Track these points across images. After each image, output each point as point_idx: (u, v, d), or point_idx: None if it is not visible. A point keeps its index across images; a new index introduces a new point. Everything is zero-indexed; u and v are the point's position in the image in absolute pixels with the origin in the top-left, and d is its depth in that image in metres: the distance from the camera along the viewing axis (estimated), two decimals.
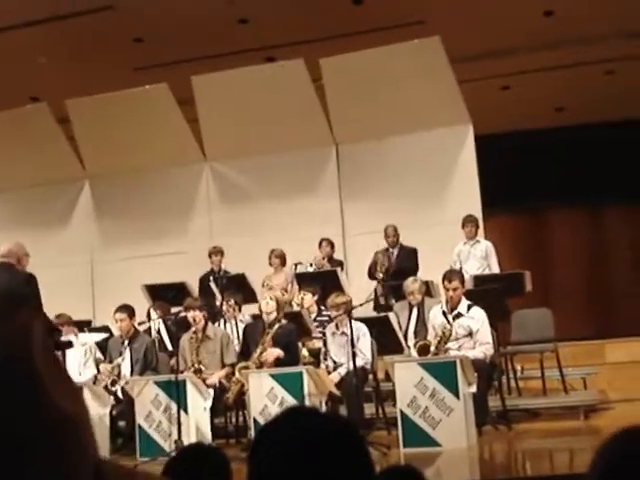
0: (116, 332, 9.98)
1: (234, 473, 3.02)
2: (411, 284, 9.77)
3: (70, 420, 0.96)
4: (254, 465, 1.43)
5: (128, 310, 9.38)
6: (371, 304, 10.41)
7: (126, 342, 9.31)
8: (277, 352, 8.57)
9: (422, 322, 9.58)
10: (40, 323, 0.99)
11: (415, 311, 9.73)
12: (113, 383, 8.98)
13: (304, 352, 9.23)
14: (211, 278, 11.31)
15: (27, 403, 0.93)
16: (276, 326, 8.66)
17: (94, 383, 9.21)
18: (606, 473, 1.33)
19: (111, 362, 9.28)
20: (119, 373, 9.15)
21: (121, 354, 9.26)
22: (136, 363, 9.18)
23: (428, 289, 10.37)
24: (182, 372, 8.54)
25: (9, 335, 0.95)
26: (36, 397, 0.93)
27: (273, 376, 8.00)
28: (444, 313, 8.58)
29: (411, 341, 8.95)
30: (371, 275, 11.26)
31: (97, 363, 9.65)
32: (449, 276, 8.72)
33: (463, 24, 11.90)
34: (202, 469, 2.75)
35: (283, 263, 11.57)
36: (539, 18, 12.00)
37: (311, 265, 11.36)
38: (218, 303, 10.74)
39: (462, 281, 8.70)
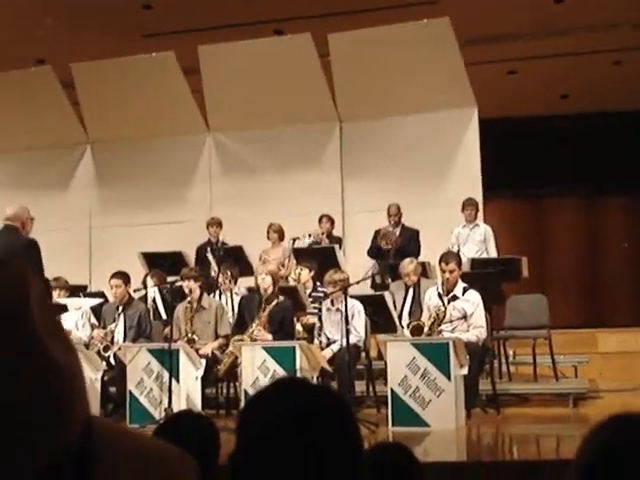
0: (111, 298, 10.00)
1: (222, 443, 3.04)
2: (407, 265, 9.78)
3: (63, 370, 0.97)
4: (242, 433, 1.44)
5: (123, 277, 9.40)
6: (368, 282, 10.42)
7: (120, 308, 9.33)
8: (268, 338, 8.55)
9: (417, 303, 9.60)
10: (35, 276, 1.00)
11: (411, 292, 9.75)
12: (106, 349, 9.00)
13: (298, 327, 9.25)
14: (208, 249, 11.31)
15: (21, 350, 0.94)
16: (273, 303, 8.67)
17: (87, 347, 9.23)
18: (593, 459, 1.34)
19: (105, 328, 9.31)
20: (112, 339, 9.18)
21: (115, 320, 9.28)
22: (129, 330, 9.21)
23: (425, 270, 10.39)
24: (175, 341, 8.57)
25: (6, 284, 0.96)
26: (30, 345, 0.94)
27: (266, 349, 8.02)
28: (439, 295, 8.60)
29: (405, 321, 8.96)
30: (372, 253, 11.24)
31: (92, 327, 9.68)
32: (446, 258, 8.73)
33: (474, 6, 11.84)
34: (191, 436, 2.77)
35: (281, 238, 11.56)
36: (550, 4, 11.96)
37: (309, 236, 11.34)
38: (214, 274, 10.75)
39: (459, 264, 8.71)
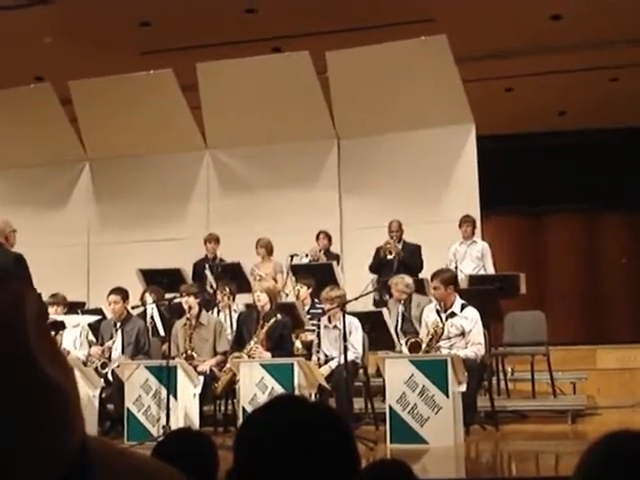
0: (109, 315, 9.99)
1: (221, 460, 3.04)
2: (394, 280, 9.85)
3: (58, 390, 0.97)
4: (240, 450, 1.44)
5: (122, 293, 9.39)
6: (366, 299, 10.41)
7: (118, 325, 9.32)
8: (266, 356, 8.53)
9: (408, 320, 9.64)
10: (34, 296, 1.00)
11: (401, 308, 9.78)
12: (103, 366, 8.98)
13: (297, 344, 9.24)
14: (206, 265, 11.31)
15: (16, 368, 0.94)
16: (272, 321, 8.64)
17: (85, 364, 9.21)
18: (591, 475, 1.34)
19: (103, 344, 9.29)
20: (109, 356, 9.16)
21: (112, 337, 9.27)
22: (127, 346, 9.18)
23: (422, 287, 10.40)
24: (173, 358, 8.56)
25: (4, 303, 0.96)
26: (25, 363, 0.94)
27: (264, 366, 8.02)
28: (437, 312, 8.60)
29: (402, 339, 8.96)
30: (374, 268, 11.21)
31: (89, 344, 9.66)
32: (432, 275, 8.78)
33: (471, 24, 11.90)
34: (190, 453, 2.77)
35: (270, 252, 11.56)
36: (546, 21, 12.00)
37: (307, 256, 11.36)
38: (212, 291, 10.75)
39: (444, 282, 8.60)
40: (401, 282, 9.87)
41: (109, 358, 9.11)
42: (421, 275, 10.82)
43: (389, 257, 10.99)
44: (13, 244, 7.46)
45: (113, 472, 1.06)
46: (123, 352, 9.17)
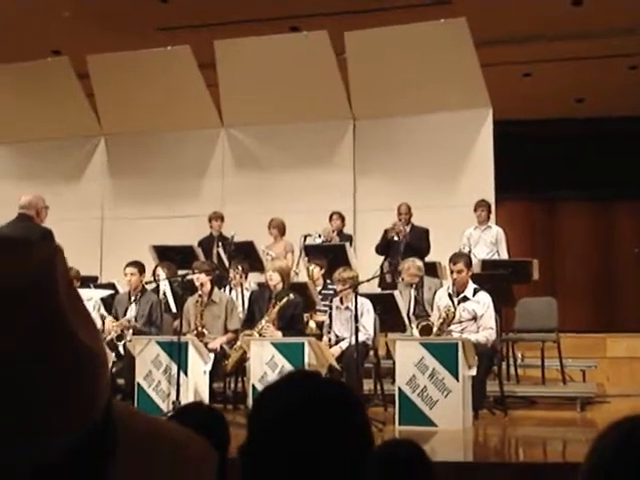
0: (121, 289, 10.02)
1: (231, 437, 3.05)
2: (405, 264, 9.85)
3: (88, 353, 0.98)
4: (254, 423, 1.45)
5: (139, 266, 9.45)
6: (374, 282, 10.41)
7: (133, 298, 9.35)
8: (277, 335, 8.55)
9: (420, 303, 9.65)
10: (63, 260, 1.01)
11: (413, 292, 9.78)
12: (119, 338, 9.02)
13: (311, 324, 9.25)
14: (220, 244, 11.33)
15: (48, 331, 0.94)
16: (284, 300, 8.65)
17: None
18: (602, 462, 1.34)
19: (117, 318, 9.33)
20: (124, 329, 9.18)
21: (127, 310, 9.30)
22: (140, 318, 9.21)
23: (434, 270, 10.40)
24: (185, 334, 8.59)
25: (34, 265, 0.97)
26: (57, 326, 0.95)
27: (275, 345, 8.04)
28: (450, 295, 8.61)
29: (410, 322, 8.97)
30: (380, 249, 11.21)
31: (102, 319, 9.70)
32: (454, 258, 8.75)
33: (490, 7, 11.83)
34: (201, 428, 2.77)
35: (282, 233, 11.60)
36: (567, 7, 11.93)
37: (320, 236, 11.36)
38: (224, 269, 10.78)
39: (467, 265, 8.68)
40: (412, 266, 9.87)
41: (122, 331, 9.16)
42: (432, 258, 10.81)
43: (396, 238, 10.98)
44: (43, 220, 7.51)
45: (136, 434, 1.07)
46: (136, 321, 9.21)
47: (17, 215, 7.45)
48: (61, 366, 0.95)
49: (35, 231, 7.22)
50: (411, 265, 9.88)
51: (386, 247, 11.15)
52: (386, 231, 11.17)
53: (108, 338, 9.01)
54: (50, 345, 0.94)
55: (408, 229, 11.11)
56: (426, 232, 11.11)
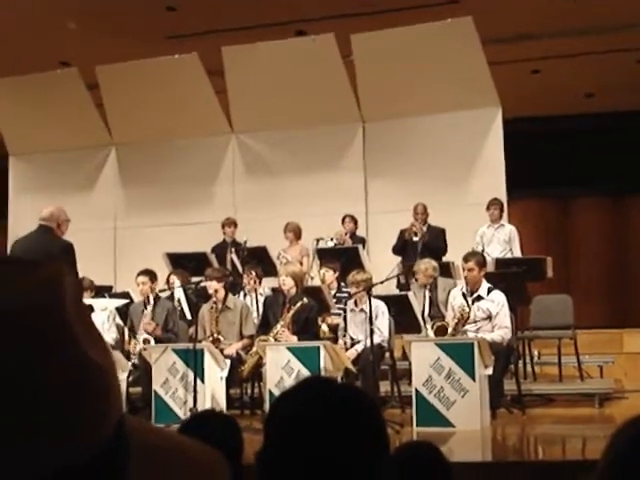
0: (136, 298, 10.05)
1: (247, 443, 3.05)
2: (419, 265, 9.85)
3: (98, 370, 0.98)
4: (270, 430, 1.45)
5: (150, 274, 9.46)
6: (390, 283, 10.41)
7: (149, 307, 9.36)
8: (292, 339, 8.55)
9: (435, 304, 9.64)
10: (72, 278, 1.02)
11: (427, 293, 9.77)
12: (145, 341, 9.03)
13: (324, 327, 9.26)
14: (233, 250, 11.35)
15: (57, 349, 0.95)
16: (298, 304, 8.65)
17: (113, 348, 9.28)
18: (619, 458, 1.33)
19: (132, 328, 9.35)
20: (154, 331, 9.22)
21: (142, 319, 9.30)
22: (157, 327, 9.22)
23: (448, 270, 10.39)
24: (200, 341, 8.61)
25: (42, 283, 0.98)
26: (66, 344, 0.96)
27: (290, 349, 8.04)
28: (464, 295, 8.59)
29: (425, 323, 8.96)
30: (397, 249, 11.20)
31: (117, 328, 9.73)
32: (466, 257, 8.76)
33: (496, 6, 11.81)
34: (214, 435, 2.78)
35: (298, 237, 11.61)
36: (572, 3, 11.89)
37: (332, 240, 11.37)
38: (237, 274, 10.79)
39: (479, 263, 8.65)
40: (430, 267, 9.85)
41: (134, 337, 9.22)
42: (445, 258, 10.81)
43: (415, 239, 10.98)
44: (64, 232, 7.53)
45: (148, 448, 1.08)
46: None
47: (38, 227, 7.46)
48: (70, 383, 0.95)
49: (56, 244, 7.23)
50: (428, 266, 9.86)
51: (402, 248, 11.15)
52: (402, 232, 11.17)
53: (143, 337, 9.03)
54: (59, 363, 0.95)
55: (425, 229, 11.11)
56: (443, 232, 11.12)
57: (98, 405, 0.98)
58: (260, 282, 10.21)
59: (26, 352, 0.93)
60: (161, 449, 1.10)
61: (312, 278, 10.90)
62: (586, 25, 12.40)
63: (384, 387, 8.86)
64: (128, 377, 8.90)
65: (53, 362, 0.95)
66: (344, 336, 8.94)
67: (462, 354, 7.61)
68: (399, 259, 11.19)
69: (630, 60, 13.67)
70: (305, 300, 8.70)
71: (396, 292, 10.22)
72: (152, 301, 9.34)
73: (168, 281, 10.21)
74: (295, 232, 11.59)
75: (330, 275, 10.16)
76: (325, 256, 10.72)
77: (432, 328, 8.35)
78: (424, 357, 7.73)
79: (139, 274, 9.47)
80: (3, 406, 0.92)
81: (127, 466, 1.03)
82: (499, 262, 10.25)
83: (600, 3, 11.79)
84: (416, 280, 10.01)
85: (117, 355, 8.86)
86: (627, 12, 12.00)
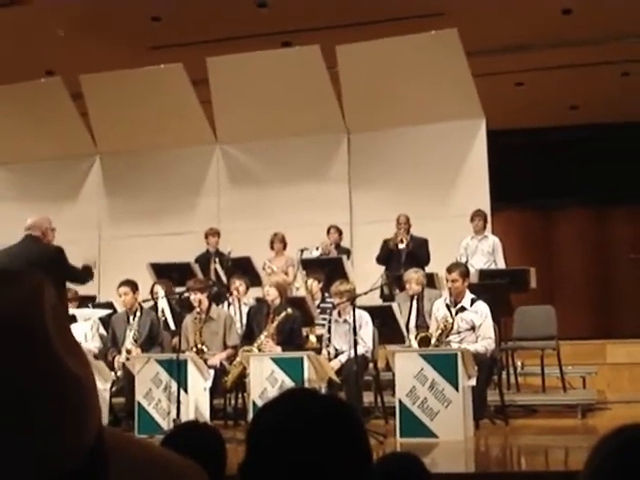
0: (119, 308, 10.02)
1: (231, 453, 3.05)
2: (409, 274, 9.83)
3: (76, 380, 0.98)
4: (252, 441, 1.45)
5: (131, 285, 9.43)
6: (374, 293, 10.41)
7: (131, 317, 9.33)
8: (276, 350, 8.55)
9: (422, 314, 9.64)
10: (52, 289, 1.02)
11: (415, 303, 9.77)
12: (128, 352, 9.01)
13: (311, 338, 9.25)
14: (217, 260, 11.34)
15: (35, 359, 0.95)
16: (282, 315, 8.65)
17: (96, 357, 9.25)
18: (601, 469, 1.34)
19: (114, 338, 9.32)
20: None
21: (125, 329, 9.28)
22: (141, 337, 9.20)
23: (432, 281, 10.40)
24: (184, 352, 8.58)
25: (21, 294, 0.97)
26: (44, 354, 0.96)
27: (274, 360, 8.04)
28: (447, 306, 8.60)
29: (412, 334, 8.96)
30: (381, 259, 11.21)
31: (101, 338, 9.70)
32: (450, 268, 8.75)
33: (481, 18, 11.88)
34: (197, 446, 2.78)
35: (284, 247, 11.62)
36: (557, 16, 11.97)
37: (317, 249, 11.37)
38: (221, 284, 10.78)
39: (463, 274, 8.65)
40: (420, 275, 9.83)
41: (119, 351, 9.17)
42: (429, 269, 10.82)
43: (401, 246, 10.99)
44: (50, 241, 7.51)
45: (128, 461, 1.07)
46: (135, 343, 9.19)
47: (24, 236, 7.44)
48: (48, 394, 0.95)
49: (47, 251, 7.23)
50: (419, 274, 9.85)
51: (386, 258, 11.16)
52: (385, 241, 11.18)
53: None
54: (37, 373, 0.95)
55: (408, 238, 11.12)
56: (426, 242, 11.15)
57: (76, 416, 0.98)
58: (246, 292, 10.19)
59: (4, 361, 0.93)
60: (140, 461, 1.10)
61: (297, 288, 10.90)
62: (570, 38, 12.47)
63: (367, 398, 8.85)
64: (111, 387, 8.86)
65: (30, 372, 0.94)
66: (328, 346, 8.94)
67: (446, 365, 7.62)
68: (383, 269, 11.20)
69: (615, 73, 13.76)
70: (289, 310, 8.70)
71: (380, 302, 10.22)
72: (135, 312, 9.31)
73: (152, 291, 10.18)
74: (283, 242, 11.60)
75: (315, 285, 10.18)
76: (309, 266, 10.73)
77: (415, 339, 8.36)
78: (408, 368, 7.74)
79: (120, 285, 9.45)
80: None
81: (106, 478, 1.03)
82: (483, 273, 10.28)
83: (585, 16, 11.87)
84: (406, 290, 9.95)
85: (100, 365, 8.82)
86: (612, 25, 12.09)
